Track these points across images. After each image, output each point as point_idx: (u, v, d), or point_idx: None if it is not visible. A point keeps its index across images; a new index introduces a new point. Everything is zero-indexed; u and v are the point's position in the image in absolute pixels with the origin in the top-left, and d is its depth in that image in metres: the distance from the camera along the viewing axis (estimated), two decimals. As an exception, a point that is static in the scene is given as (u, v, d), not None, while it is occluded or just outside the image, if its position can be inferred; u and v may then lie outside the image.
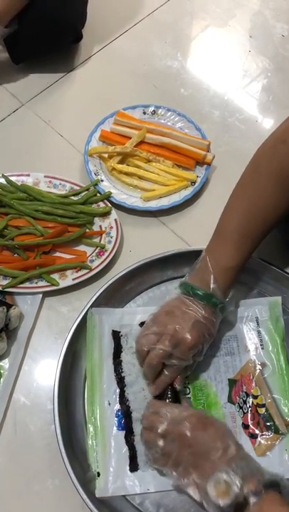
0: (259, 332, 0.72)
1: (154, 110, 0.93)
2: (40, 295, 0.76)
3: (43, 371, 0.72)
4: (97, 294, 0.71)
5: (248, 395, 0.67)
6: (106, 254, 0.78)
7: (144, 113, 0.93)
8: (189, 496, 0.55)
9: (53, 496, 0.64)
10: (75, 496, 0.59)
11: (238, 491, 0.50)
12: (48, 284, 0.75)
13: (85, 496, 0.59)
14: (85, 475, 0.62)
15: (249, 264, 0.74)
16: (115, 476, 0.63)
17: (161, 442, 0.58)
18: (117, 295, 0.74)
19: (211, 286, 0.64)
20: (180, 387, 0.65)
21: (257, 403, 0.66)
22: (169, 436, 0.58)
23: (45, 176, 0.85)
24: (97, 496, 0.61)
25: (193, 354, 0.64)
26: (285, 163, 0.62)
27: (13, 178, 0.83)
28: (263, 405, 0.66)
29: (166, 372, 0.64)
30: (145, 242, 0.82)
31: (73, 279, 0.76)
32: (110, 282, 0.73)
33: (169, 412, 0.60)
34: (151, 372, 0.65)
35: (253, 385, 0.67)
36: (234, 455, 0.54)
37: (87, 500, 0.59)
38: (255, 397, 0.67)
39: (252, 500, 0.50)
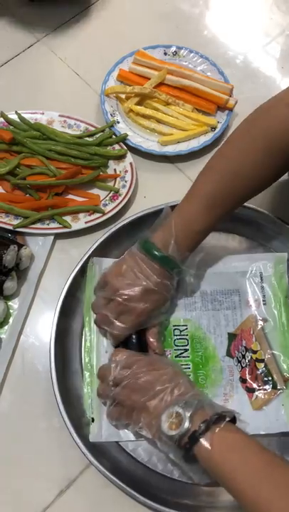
0: (262, 287, 0.70)
1: (175, 51, 0.88)
2: (52, 237, 0.74)
3: (53, 313, 0.70)
4: (99, 241, 0.70)
5: (247, 350, 0.66)
6: (120, 198, 0.76)
7: (165, 54, 0.88)
8: (146, 438, 0.56)
9: (60, 434, 0.64)
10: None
11: (189, 423, 0.50)
12: (60, 226, 0.74)
13: (78, 440, 0.59)
14: (80, 420, 0.62)
15: (255, 217, 0.72)
16: (109, 423, 0.62)
17: (112, 393, 0.58)
18: (122, 244, 0.72)
19: (170, 249, 0.61)
20: (160, 353, 0.64)
21: (256, 358, 0.65)
22: (121, 384, 0.57)
23: (59, 115, 0.81)
24: (90, 440, 0.61)
25: (141, 321, 0.62)
26: (282, 127, 0.56)
27: (26, 116, 0.80)
28: (262, 360, 0.65)
29: (109, 336, 0.63)
30: (160, 189, 0.80)
31: (86, 222, 0.74)
32: (114, 229, 0.70)
33: (118, 358, 0.59)
34: (101, 332, 0.66)
35: (253, 340, 0.66)
36: (185, 391, 0.55)
37: (80, 444, 0.59)
38: (254, 352, 0.66)
39: (204, 431, 0.50)
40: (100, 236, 0.71)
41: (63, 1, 0.95)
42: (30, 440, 0.64)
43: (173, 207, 0.64)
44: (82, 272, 0.69)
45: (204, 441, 0.49)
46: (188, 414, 0.51)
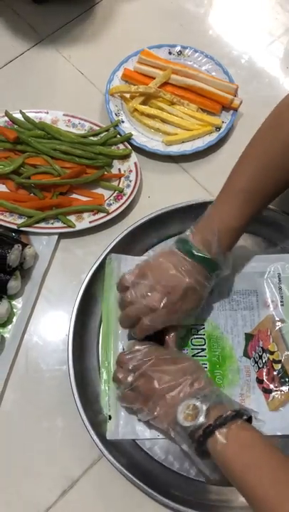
0: (280, 288, 0.69)
1: (180, 50, 0.88)
2: (56, 236, 0.74)
3: (57, 312, 0.71)
4: (117, 240, 0.70)
5: (264, 351, 0.66)
6: (124, 198, 0.76)
7: (170, 53, 0.88)
8: (160, 429, 0.57)
9: (63, 433, 0.64)
10: (85, 435, 0.60)
11: (205, 417, 0.51)
12: (64, 225, 0.74)
13: (95, 437, 0.59)
14: (95, 417, 0.62)
15: (274, 218, 0.72)
16: (126, 421, 0.63)
17: (130, 378, 0.58)
18: (135, 242, 0.72)
19: (213, 249, 0.60)
20: (175, 348, 0.63)
21: (273, 359, 0.65)
22: (138, 372, 0.58)
23: (64, 115, 0.81)
24: (107, 438, 0.61)
25: (177, 318, 0.61)
26: None
27: (30, 115, 0.80)
28: (279, 361, 0.65)
29: (136, 330, 0.62)
30: (165, 189, 0.80)
31: (90, 222, 0.74)
32: (131, 228, 0.71)
33: (140, 348, 0.59)
34: (126, 322, 0.63)
35: (270, 340, 0.66)
36: (204, 386, 0.55)
37: (98, 441, 0.59)
38: (271, 352, 0.65)
39: (219, 426, 0.50)
40: (106, 236, 0.72)
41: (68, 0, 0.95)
42: (33, 439, 0.64)
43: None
44: (99, 269, 0.69)
45: (218, 436, 0.50)
46: (205, 408, 0.51)
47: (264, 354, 0.65)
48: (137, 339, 0.63)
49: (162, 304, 0.60)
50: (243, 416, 0.52)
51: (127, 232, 0.70)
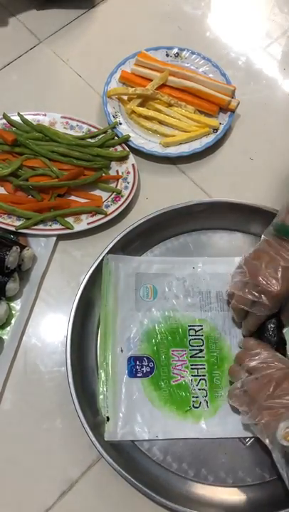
0: None
1: (177, 52, 0.89)
2: (54, 238, 0.74)
3: (55, 314, 0.71)
4: (115, 241, 0.70)
5: None
6: (122, 199, 0.76)
7: (167, 55, 0.88)
8: (257, 435, 0.57)
9: (62, 434, 0.64)
10: (83, 437, 0.60)
11: None
12: (62, 227, 0.74)
13: (94, 439, 0.60)
14: (94, 418, 0.62)
15: (272, 218, 0.72)
16: (124, 422, 0.63)
17: (244, 376, 0.59)
18: (133, 243, 0.73)
19: None
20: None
21: None
22: (255, 374, 0.58)
23: (61, 117, 0.81)
24: (106, 439, 0.61)
25: (280, 303, 0.62)
26: None
27: (28, 118, 0.80)
28: None
29: (249, 319, 0.64)
30: (163, 190, 0.80)
31: (88, 224, 0.74)
32: (129, 229, 0.71)
33: (259, 351, 0.60)
34: (236, 316, 0.67)
35: None
36: None
37: (96, 443, 0.59)
38: None
39: None
40: (104, 238, 0.72)
41: (66, 2, 0.95)
42: (31, 441, 0.64)
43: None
44: (97, 271, 0.69)
45: None
46: None
47: None
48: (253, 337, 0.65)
49: (259, 292, 0.61)
50: None
51: (125, 233, 0.70)
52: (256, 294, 0.62)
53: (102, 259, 0.69)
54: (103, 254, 0.69)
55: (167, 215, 0.73)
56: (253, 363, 0.59)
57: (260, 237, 0.73)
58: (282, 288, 0.61)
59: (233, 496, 0.61)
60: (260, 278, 0.61)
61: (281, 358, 0.61)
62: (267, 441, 0.55)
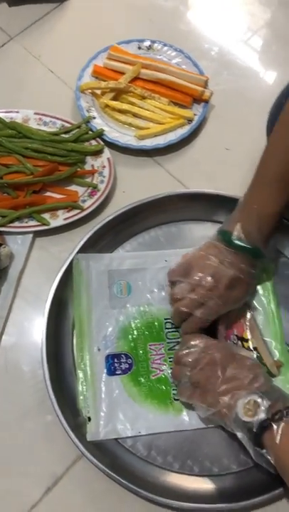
0: None
1: (149, 45, 0.88)
2: (31, 235, 0.74)
3: (35, 311, 0.70)
4: (84, 239, 0.70)
5: (239, 339, 0.66)
6: (98, 194, 0.76)
7: (140, 48, 0.88)
8: (218, 424, 0.59)
9: (45, 432, 0.64)
10: (66, 436, 0.60)
11: (265, 413, 0.52)
12: (39, 223, 0.73)
13: (76, 439, 0.59)
14: (75, 419, 0.62)
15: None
16: (106, 420, 0.62)
17: (189, 372, 0.59)
18: (106, 239, 0.72)
19: (255, 237, 0.61)
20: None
21: (248, 346, 0.65)
22: (198, 366, 0.58)
23: (35, 113, 0.81)
24: (88, 439, 0.61)
25: (226, 308, 0.63)
26: None
27: (1, 115, 0.80)
28: (254, 348, 0.65)
29: (188, 324, 0.64)
30: (139, 183, 0.80)
31: (64, 219, 0.74)
32: (104, 223, 0.71)
33: (197, 342, 0.60)
34: (177, 319, 0.66)
35: (244, 328, 0.66)
36: (264, 383, 0.56)
37: (78, 443, 0.59)
38: (246, 340, 0.66)
39: (276, 421, 0.51)
40: (82, 233, 0.71)
41: (36, -2, 0.94)
42: (13, 439, 0.64)
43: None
44: (69, 270, 0.68)
45: (275, 430, 0.51)
46: (266, 404, 0.52)
47: (239, 342, 0.65)
48: (188, 333, 0.64)
49: (210, 297, 0.61)
50: None
51: (100, 226, 0.70)
52: (205, 298, 0.62)
53: (72, 260, 0.68)
54: (77, 249, 0.68)
55: (144, 206, 0.73)
56: (192, 357, 0.59)
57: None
58: (231, 296, 0.62)
59: (220, 484, 0.61)
60: (212, 283, 0.61)
61: (216, 341, 0.62)
62: (229, 424, 0.55)
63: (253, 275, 0.64)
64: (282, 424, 0.51)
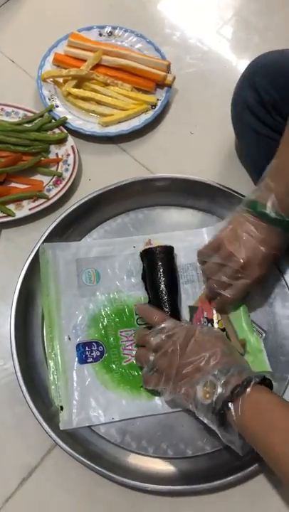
0: None
1: (110, 31, 0.88)
2: (-4, 227, 0.73)
3: (3, 303, 0.69)
4: (50, 229, 0.69)
5: (209, 321, 0.66)
6: (63, 182, 0.75)
7: (100, 34, 0.87)
8: (183, 407, 0.58)
9: (17, 424, 0.63)
10: (39, 426, 0.59)
11: (222, 391, 0.51)
12: (4, 214, 0.72)
13: (48, 429, 0.59)
14: (48, 409, 0.61)
15: (208, 190, 0.73)
16: (79, 409, 0.62)
17: (152, 357, 0.58)
18: (73, 228, 0.72)
19: (283, 207, 0.57)
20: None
21: (218, 328, 0.66)
22: (160, 350, 0.57)
23: (-4, 104, 0.80)
24: (61, 428, 0.61)
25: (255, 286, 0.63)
26: None
27: None
28: (223, 330, 0.65)
29: (219, 299, 0.64)
30: (105, 170, 0.79)
31: (30, 209, 0.73)
32: (69, 211, 0.70)
33: (166, 326, 0.59)
34: (208, 296, 0.66)
35: (214, 311, 0.67)
36: (220, 360, 0.54)
37: (51, 432, 0.59)
38: (215, 322, 0.66)
39: (236, 396, 0.50)
40: (48, 222, 0.70)
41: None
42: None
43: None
44: (36, 260, 0.68)
45: (236, 405, 0.50)
46: (219, 383, 0.51)
47: (209, 324, 0.66)
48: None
49: (240, 277, 0.61)
50: (262, 381, 0.52)
51: (66, 214, 0.69)
52: (234, 278, 0.61)
53: (38, 249, 0.68)
54: (43, 238, 0.68)
55: (111, 193, 0.72)
56: (157, 341, 0.58)
57: (198, 209, 0.73)
58: (262, 274, 0.61)
59: (195, 465, 0.61)
60: (242, 262, 0.60)
61: (179, 323, 0.60)
62: (191, 407, 0.55)
63: (282, 250, 0.61)
64: (240, 399, 0.50)
